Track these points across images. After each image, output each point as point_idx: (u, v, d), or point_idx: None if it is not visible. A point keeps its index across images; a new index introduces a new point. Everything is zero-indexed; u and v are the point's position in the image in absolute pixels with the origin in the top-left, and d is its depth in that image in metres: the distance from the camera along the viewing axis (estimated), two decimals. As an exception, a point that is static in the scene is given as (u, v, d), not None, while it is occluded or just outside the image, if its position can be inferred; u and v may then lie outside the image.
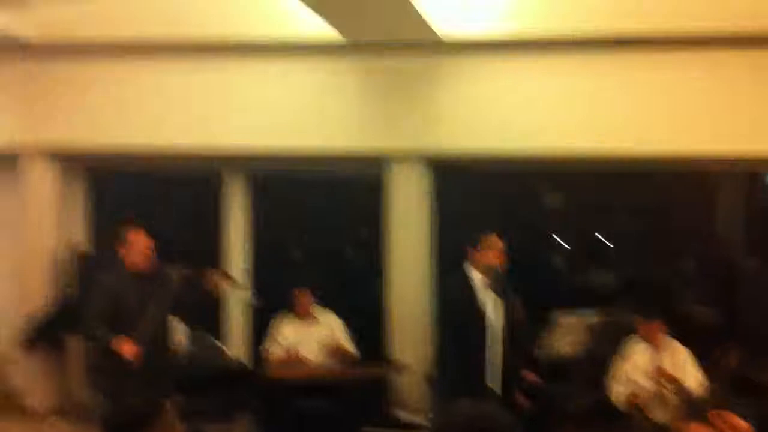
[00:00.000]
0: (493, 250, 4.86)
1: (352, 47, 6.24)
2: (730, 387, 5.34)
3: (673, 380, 5.35)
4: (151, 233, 5.19)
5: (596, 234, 7.50)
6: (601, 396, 5.64)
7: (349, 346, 6.23)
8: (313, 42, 6.33)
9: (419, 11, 5.40)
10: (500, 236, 4.94)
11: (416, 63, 6.37)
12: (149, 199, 7.62)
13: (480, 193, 6.90)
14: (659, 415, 5.33)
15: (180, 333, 5.78)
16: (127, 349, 4.76)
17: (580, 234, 7.42)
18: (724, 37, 5.76)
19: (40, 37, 6.59)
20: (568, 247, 7.39)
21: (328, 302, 6.49)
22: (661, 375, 5.37)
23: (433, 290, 6.43)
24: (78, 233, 7.31)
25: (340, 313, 6.40)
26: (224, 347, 6.25)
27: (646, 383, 5.42)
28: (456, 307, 4.87)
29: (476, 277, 4.84)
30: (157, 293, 4.98)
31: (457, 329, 4.81)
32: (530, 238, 6.81)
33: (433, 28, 5.75)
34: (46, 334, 6.76)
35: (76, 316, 6.41)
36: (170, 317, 5.30)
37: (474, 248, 4.88)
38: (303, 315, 6.28)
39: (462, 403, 2.48)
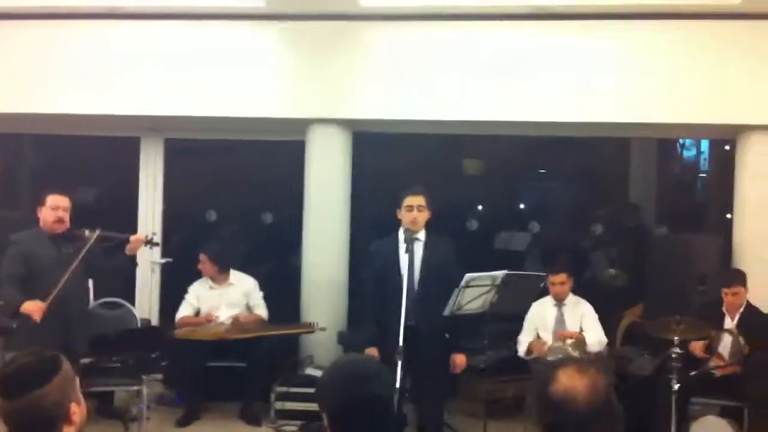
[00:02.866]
0: (412, 210, 4.92)
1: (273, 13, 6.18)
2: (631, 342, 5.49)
3: (575, 338, 5.49)
4: (68, 195, 5.12)
5: (511, 198, 7.63)
6: (510, 352, 5.76)
7: (262, 309, 6.21)
8: (234, 7, 6.25)
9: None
10: (418, 194, 4.97)
11: (336, 27, 6.34)
12: (65, 162, 7.44)
13: (399, 159, 6.93)
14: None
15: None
16: (34, 309, 4.70)
17: (496, 198, 7.53)
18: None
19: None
20: (484, 212, 7.50)
21: (246, 266, 6.46)
22: (562, 337, 5.52)
23: (355, 253, 6.43)
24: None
25: (257, 277, 6.38)
26: (134, 308, 6.16)
27: (552, 339, 5.56)
28: (381, 268, 4.92)
29: (400, 238, 4.89)
30: (72, 255, 4.91)
31: (376, 290, 4.91)
32: (448, 203, 6.87)
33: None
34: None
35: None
36: (85, 279, 5.24)
37: (398, 208, 4.95)
38: (217, 279, 6.23)
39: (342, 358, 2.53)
